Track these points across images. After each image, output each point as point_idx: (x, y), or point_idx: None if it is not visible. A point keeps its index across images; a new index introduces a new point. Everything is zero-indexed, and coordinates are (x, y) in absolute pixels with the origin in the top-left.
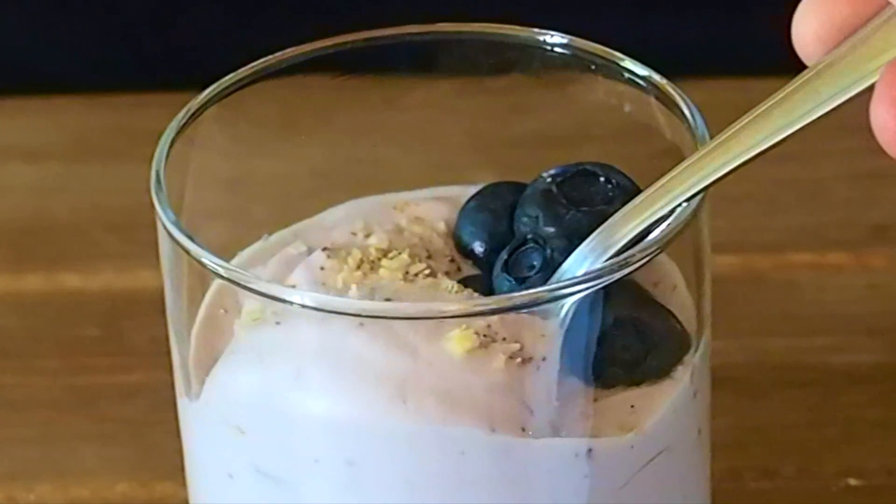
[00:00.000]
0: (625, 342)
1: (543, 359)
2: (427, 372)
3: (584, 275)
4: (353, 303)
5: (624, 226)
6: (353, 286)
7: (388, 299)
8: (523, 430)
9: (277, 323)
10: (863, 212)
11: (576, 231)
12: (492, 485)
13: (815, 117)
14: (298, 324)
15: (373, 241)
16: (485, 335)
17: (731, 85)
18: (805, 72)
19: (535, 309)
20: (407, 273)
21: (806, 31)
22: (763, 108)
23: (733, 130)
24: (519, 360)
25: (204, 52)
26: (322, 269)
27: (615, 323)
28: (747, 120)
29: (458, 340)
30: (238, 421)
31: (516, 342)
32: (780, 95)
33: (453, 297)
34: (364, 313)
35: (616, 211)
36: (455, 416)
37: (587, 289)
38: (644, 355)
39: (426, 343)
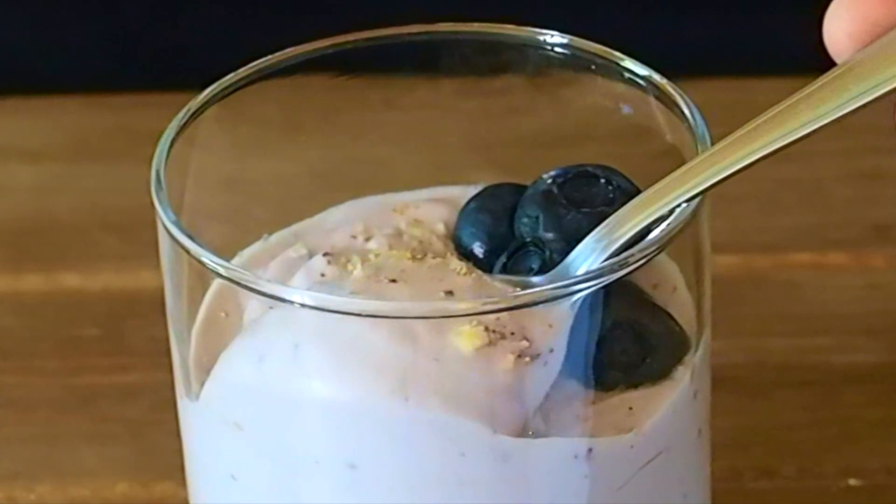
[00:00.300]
0: (624, 345)
1: (551, 350)
2: (432, 367)
3: (586, 273)
4: (356, 303)
5: (638, 214)
6: (359, 265)
7: (393, 280)
8: (524, 430)
9: (271, 307)
10: (863, 212)
11: (576, 232)
12: (492, 485)
13: (841, 114)
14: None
15: (372, 245)
16: (494, 331)
17: (731, 85)
18: (835, 69)
19: (538, 307)
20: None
21: (837, 29)
22: (790, 102)
23: (759, 122)
24: (527, 358)
25: (204, 52)
26: (322, 275)
27: (614, 326)
28: (773, 113)
29: (467, 337)
30: (235, 416)
31: (524, 339)
32: (808, 90)
33: (461, 280)
34: (366, 313)
35: (615, 212)
36: (458, 415)
37: (590, 287)
38: (642, 358)
39: (432, 335)
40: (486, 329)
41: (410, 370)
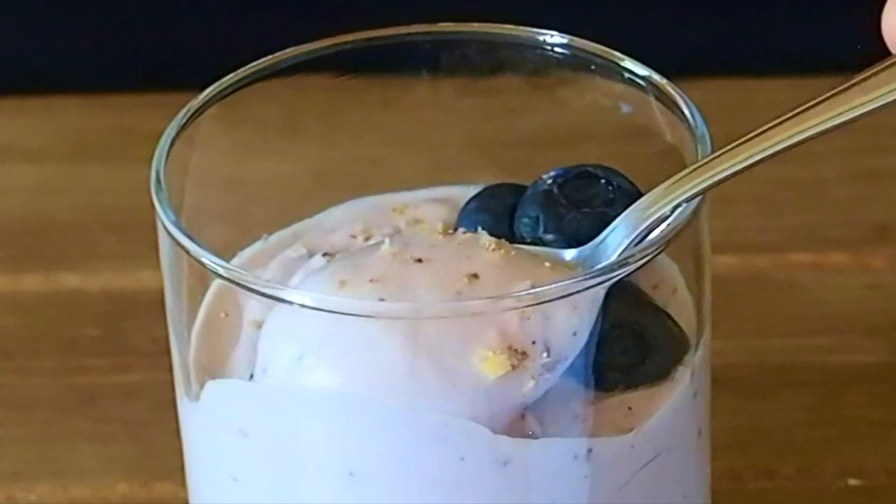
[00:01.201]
0: (624, 346)
1: (574, 333)
2: (453, 392)
3: (589, 271)
4: (357, 304)
5: (678, 188)
6: (386, 241)
7: (418, 260)
8: (524, 431)
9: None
10: (863, 212)
11: (576, 232)
12: (491, 487)
13: (891, 99)
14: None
15: None
16: (517, 350)
17: (731, 85)
18: (889, 58)
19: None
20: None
21: (895, 21)
22: (843, 86)
23: (808, 105)
24: (548, 374)
25: (204, 52)
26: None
27: (614, 326)
28: (824, 97)
29: (490, 366)
30: (240, 423)
31: (545, 350)
32: (864, 75)
33: (489, 258)
34: (366, 313)
35: (615, 212)
36: (460, 421)
37: (602, 283)
38: (642, 359)
39: (453, 355)
40: (510, 349)
41: (422, 385)
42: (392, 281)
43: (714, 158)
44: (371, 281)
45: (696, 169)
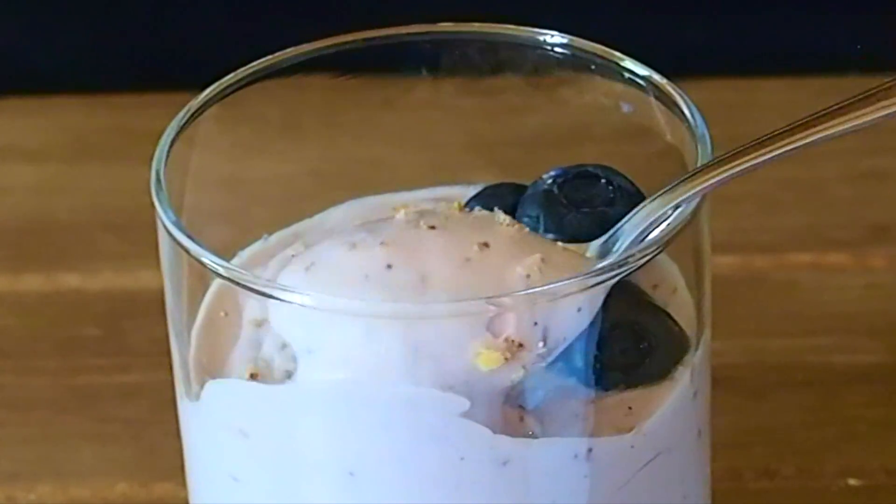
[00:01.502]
0: (624, 345)
1: (579, 309)
2: (445, 394)
3: (590, 270)
4: (357, 304)
5: (697, 180)
6: (402, 211)
7: (432, 227)
8: (524, 431)
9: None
10: (863, 212)
11: (576, 232)
12: (491, 487)
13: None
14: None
15: None
16: (513, 341)
17: (731, 85)
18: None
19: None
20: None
21: None
22: (861, 95)
23: (844, 103)
24: (543, 364)
25: (204, 52)
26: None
27: (614, 326)
28: (839, 105)
29: (484, 361)
30: (241, 423)
31: (543, 338)
32: (881, 86)
33: (503, 231)
34: (369, 314)
35: (615, 212)
36: (460, 419)
37: (601, 282)
38: (642, 359)
39: (452, 347)
40: (506, 341)
41: (419, 381)
42: (403, 245)
43: (727, 156)
44: (382, 244)
45: (706, 167)
